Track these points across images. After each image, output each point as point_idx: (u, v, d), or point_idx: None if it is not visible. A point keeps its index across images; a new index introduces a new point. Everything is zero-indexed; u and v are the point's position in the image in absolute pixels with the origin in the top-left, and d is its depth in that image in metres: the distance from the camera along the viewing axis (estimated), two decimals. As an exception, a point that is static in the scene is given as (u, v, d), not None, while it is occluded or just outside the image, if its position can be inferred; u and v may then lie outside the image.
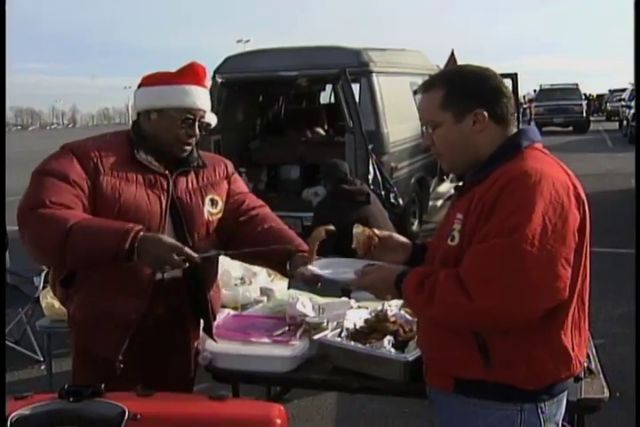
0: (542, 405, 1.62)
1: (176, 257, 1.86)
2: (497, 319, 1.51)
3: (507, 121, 1.67)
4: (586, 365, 2.07)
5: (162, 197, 2.07)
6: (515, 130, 1.69)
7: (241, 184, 2.36)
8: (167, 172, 2.11)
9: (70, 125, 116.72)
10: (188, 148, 2.12)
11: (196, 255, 1.91)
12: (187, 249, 1.89)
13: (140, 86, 2.14)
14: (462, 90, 1.64)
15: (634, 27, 3.38)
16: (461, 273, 1.53)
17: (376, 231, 1.89)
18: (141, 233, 1.86)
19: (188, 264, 1.91)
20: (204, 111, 2.12)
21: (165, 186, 2.08)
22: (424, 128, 1.73)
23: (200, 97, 2.10)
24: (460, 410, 1.66)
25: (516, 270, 1.47)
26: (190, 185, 2.16)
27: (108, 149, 2.05)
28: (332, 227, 2.05)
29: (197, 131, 2.10)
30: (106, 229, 1.88)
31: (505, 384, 1.59)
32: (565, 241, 1.51)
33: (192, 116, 2.07)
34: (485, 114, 1.63)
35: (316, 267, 1.98)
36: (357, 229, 1.87)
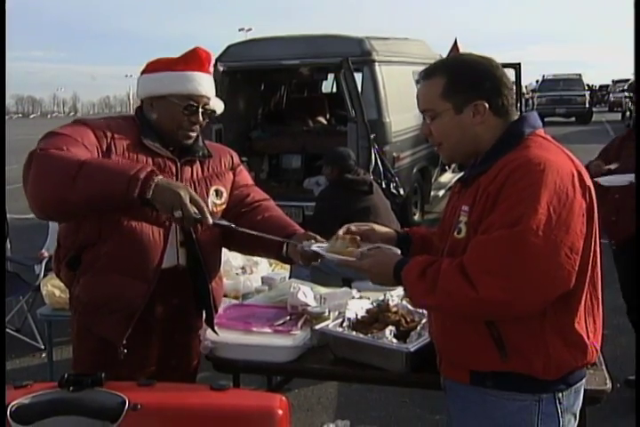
0: (560, 395, 1.62)
1: (192, 208, 1.75)
2: (500, 309, 1.51)
3: (508, 113, 1.65)
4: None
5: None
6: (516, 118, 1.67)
7: (246, 176, 2.33)
8: (176, 158, 2.07)
9: (71, 114, 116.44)
10: (193, 134, 2.08)
11: (210, 219, 1.80)
12: (206, 208, 1.79)
13: (142, 73, 2.10)
14: (464, 80, 1.62)
15: (634, 25, 3.36)
16: (465, 263, 1.52)
17: (352, 228, 1.87)
18: (149, 170, 1.76)
19: (195, 223, 1.80)
20: (208, 98, 2.07)
21: (174, 170, 2.05)
22: (422, 117, 1.71)
23: (203, 83, 2.05)
24: (476, 401, 1.65)
25: (521, 261, 1.46)
26: (195, 175, 2.12)
27: (119, 130, 2.00)
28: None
29: (201, 118, 2.05)
30: (125, 163, 1.88)
31: (521, 375, 1.58)
32: (569, 230, 1.50)
33: (195, 103, 2.03)
34: (486, 105, 1.61)
35: (317, 247, 1.97)
36: (336, 242, 1.87)
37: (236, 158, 2.30)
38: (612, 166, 3.60)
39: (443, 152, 1.72)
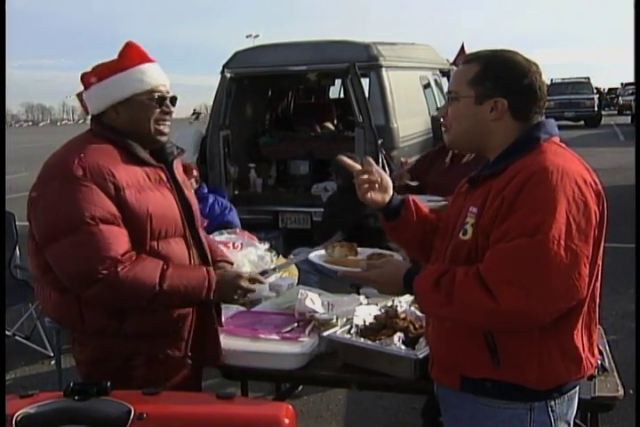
0: (552, 403, 1.60)
1: (249, 284, 2.05)
2: (520, 320, 1.49)
3: (527, 118, 1.63)
4: (599, 362, 2.04)
5: (172, 191, 2.03)
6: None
7: None
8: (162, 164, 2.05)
9: (81, 121, 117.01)
10: (166, 130, 2.02)
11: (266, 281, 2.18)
12: (258, 276, 2.13)
13: (89, 86, 2.00)
14: (494, 74, 1.61)
15: (634, 27, 3.33)
16: (483, 273, 1.49)
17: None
18: (214, 280, 1.97)
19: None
20: (166, 85, 2.04)
21: (165, 178, 2.03)
22: (447, 98, 1.72)
23: (156, 73, 2.02)
24: (468, 409, 1.64)
25: (543, 271, 1.44)
26: (181, 178, 2.12)
27: (108, 157, 1.91)
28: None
29: (171, 107, 2.02)
30: (190, 289, 1.93)
31: (513, 384, 1.56)
32: (588, 240, 1.49)
33: (160, 93, 2.00)
34: (505, 104, 1.60)
35: (318, 258, 1.97)
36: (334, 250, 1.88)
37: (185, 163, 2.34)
38: (413, 183, 3.41)
39: (449, 136, 1.72)
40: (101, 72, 1.99)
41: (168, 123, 2.03)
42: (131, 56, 2.00)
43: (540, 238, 1.44)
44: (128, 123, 1.97)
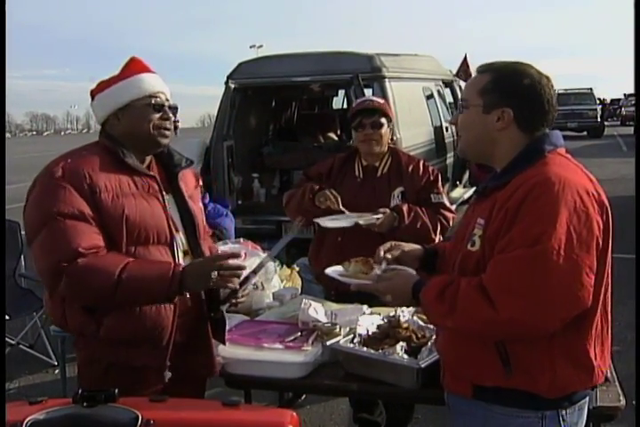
0: (564, 412, 1.61)
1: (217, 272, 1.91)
2: (521, 330, 1.51)
3: (533, 130, 1.66)
4: (601, 372, 2.05)
5: (159, 199, 2.04)
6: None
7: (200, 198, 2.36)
8: (155, 174, 2.08)
9: (84, 131, 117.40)
10: (168, 133, 2.07)
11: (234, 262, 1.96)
12: (227, 261, 1.94)
13: (93, 97, 2.10)
14: (503, 85, 1.65)
15: (634, 38, 3.35)
16: (485, 283, 1.51)
17: (388, 256, 1.90)
18: (180, 268, 1.91)
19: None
20: (165, 93, 2.10)
21: (157, 187, 2.05)
22: (459, 106, 1.75)
23: (154, 81, 2.09)
24: (479, 416, 1.65)
25: (542, 281, 1.46)
26: (186, 191, 2.15)
27: (91, 163, 1.97)
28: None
29: (170, 113, 2.07)
30: (151, 278, 1.89)
31: (525, 392, 1.57)
32: (590, 250, 1.50)
33: (158, 99, 2.06)
34: (511, 114, 1.63)
35: (333, 271, 1.98)
36: (349, 266, 1.91)
37: (197, 175, 2.33)
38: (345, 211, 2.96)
39: (460, 144, 1.77)
40: (103, 84, 2.09)
41: (169, 127, 2.07)
42: (131, 68, 2.09)
43: (539, 249, 1.46)
44: (128, 128, 2.04)
